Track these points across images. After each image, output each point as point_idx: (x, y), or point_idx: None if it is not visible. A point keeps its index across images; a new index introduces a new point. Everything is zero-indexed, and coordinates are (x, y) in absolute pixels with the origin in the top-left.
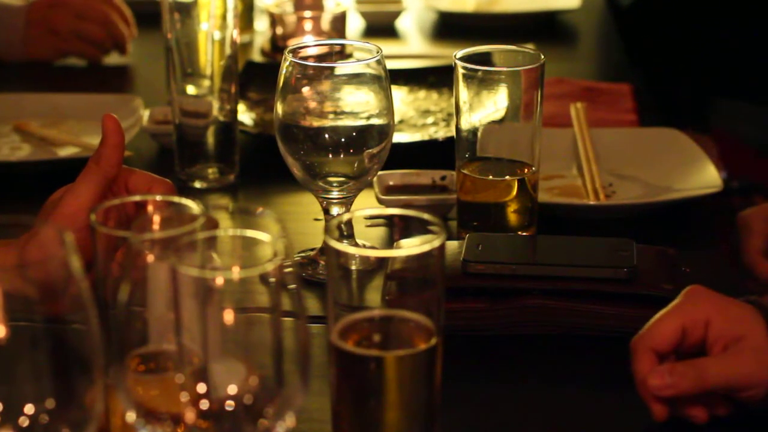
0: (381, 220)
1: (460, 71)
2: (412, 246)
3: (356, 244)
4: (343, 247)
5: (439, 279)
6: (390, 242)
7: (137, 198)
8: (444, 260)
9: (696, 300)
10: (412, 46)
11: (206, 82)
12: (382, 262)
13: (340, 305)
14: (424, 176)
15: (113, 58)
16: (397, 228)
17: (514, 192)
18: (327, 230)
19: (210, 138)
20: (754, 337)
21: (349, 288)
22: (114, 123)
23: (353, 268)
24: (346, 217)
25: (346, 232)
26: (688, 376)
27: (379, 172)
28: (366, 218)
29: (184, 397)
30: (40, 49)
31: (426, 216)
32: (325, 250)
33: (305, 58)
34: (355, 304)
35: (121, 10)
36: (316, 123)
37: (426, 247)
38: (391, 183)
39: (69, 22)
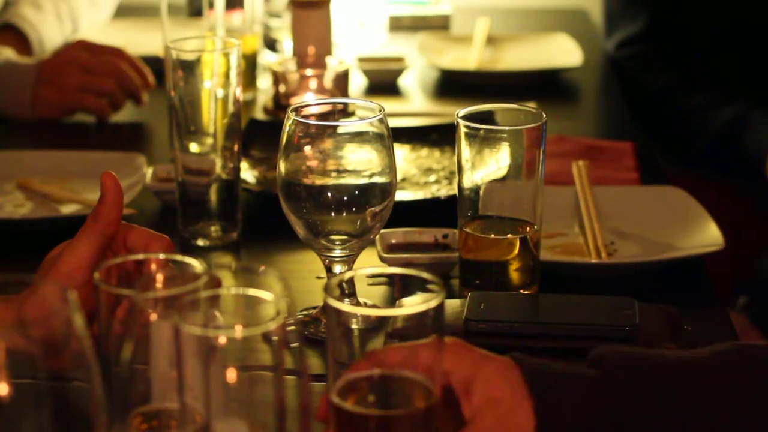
0: (382, 278)
1: (462, 130)
2: (411, 305)
3: (358, 303)
4: (343, 306)
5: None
6: (392, 300)
7: (140, 256)
8: (443, 318)
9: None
10: (415, 104)
11: (209, 140)
12: (383, 320)
13: (340, 364)
14: (427, 234)
15: (117, 115)
16: (398, 286)
17: (516, 250)
18: (327, 289)
19: (213, 196)
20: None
21: (350, 347)
22: (112, 181)
23: (354, 326)
24: (347, 275)
25: (348, 291)
26: None
27: (382, 231)
28: (367, 277)
29: None
30: (48, 108)
31: (425, 275)
32: (325, 309)
33: (308, 117)
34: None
35: (133, 60)
36: (319, 181)
37: (422, 307)
38: (393, 241)
39: (76, 78)
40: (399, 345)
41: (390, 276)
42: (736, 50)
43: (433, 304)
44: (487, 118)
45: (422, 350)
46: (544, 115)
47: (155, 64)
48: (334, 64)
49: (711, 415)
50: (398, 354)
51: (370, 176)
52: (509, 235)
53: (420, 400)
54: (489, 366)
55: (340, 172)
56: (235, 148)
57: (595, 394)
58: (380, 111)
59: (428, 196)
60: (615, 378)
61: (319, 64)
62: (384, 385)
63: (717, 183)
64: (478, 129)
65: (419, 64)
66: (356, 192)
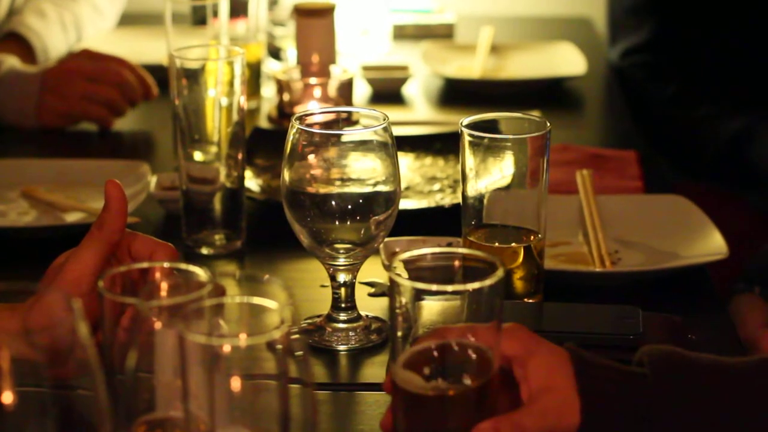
0: (383, 290)
1: (466, 138)
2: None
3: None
4: (406, 282)
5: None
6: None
7: (145, 265)
8: (503, 297)
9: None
10: (419, 112)
11: (213, 149)
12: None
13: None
14: (431, 243)
15: (121, 124)
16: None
17: (521, 259)
18: (390, 267)
19: (217, 204)
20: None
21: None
22: (117, 189)
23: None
24: (408, 255)
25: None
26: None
27: (386, 239)
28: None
29: None
30: (52, 116)
31: (487, 255)
32: (391, 284)
33: (312, 125)
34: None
35: (137, 70)
36: (323, 190)
37: (477, 285)
38: (397, 250)
39: (79, 87)
40: (460, 325)
41: (451, 256)
42: (742, 59)
43: (488, 282)
44: (491, 126)
45: (481, 331)
46: (548, 124)
47: (159, 72)
48: (338, 73)
49: (747, 423)
50: (459, 333)
51: (374, 185)
52: (513, 244)
53: (478, 374)
54: (544, 354)
55: (344, 180)
56: (239, 156)
57: (639, 390)
58: (384, 119)
59: (432, 204)
60: (661, 377)
61: (323, 73)
62: (444, 360)
63: (721, 192)
64: (482, 138)
65: (423, 73)
66: (360, 200)
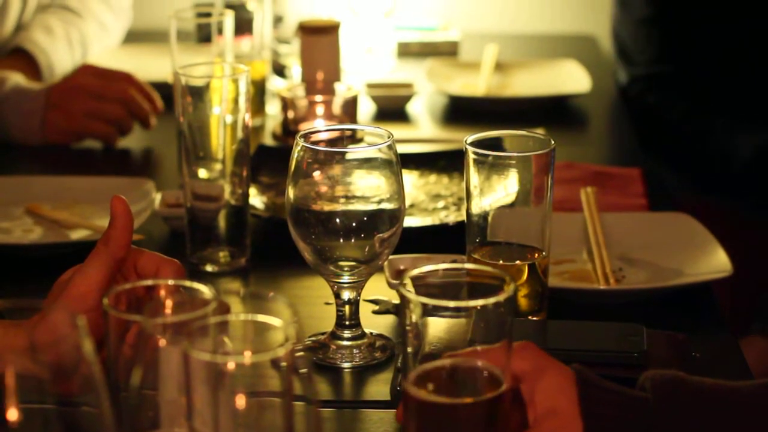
0: (388, 307)
1: (471, 156)
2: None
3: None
4: (417, 297)
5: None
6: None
7: (149, 282)
8: (513, 313)
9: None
10: (423, 130)
11: (218, 166)
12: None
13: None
14: (435, 261)
15: (126, 141)
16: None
17: (525, 277)
18: (402, 284)
19: (221, 221)
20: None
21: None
22: (123, 205)
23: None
24: (418, 271)
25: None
26: None
27: (390, 257)
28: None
29: None
30: (57, 133)
31: (497, 272)
32: (401, 301)
33: (316, 143)
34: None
35: (142, 86)
36: (327, 207)
37: (489, 300)
38: (401, 267)
39: (84, 104)
40: (472, 349)
41: (462, 271)
42: (754, 74)
43: (500, 298)
44: (495, 144)
45: (493, 353)
46: (553, 142)
47: (164, 89)
48: (342, 90)
49: None
50: (469, 355)
51: (379, 202)
52: (518, 262)
53: (489, 390)
54: (552, 374)
55: (349, 198)
56: (244, 173)
57: (641, 414)
58: (389, 137)
59: (436, 222)
60: (663, 402)
61: (328, 90)
62: (455, 376)
63: (726, 208)
64: (487, 155)
65: (428, 90)
66: (365, 218)
